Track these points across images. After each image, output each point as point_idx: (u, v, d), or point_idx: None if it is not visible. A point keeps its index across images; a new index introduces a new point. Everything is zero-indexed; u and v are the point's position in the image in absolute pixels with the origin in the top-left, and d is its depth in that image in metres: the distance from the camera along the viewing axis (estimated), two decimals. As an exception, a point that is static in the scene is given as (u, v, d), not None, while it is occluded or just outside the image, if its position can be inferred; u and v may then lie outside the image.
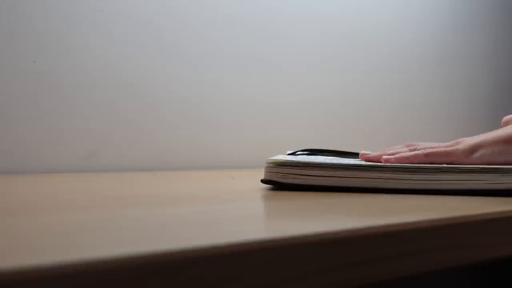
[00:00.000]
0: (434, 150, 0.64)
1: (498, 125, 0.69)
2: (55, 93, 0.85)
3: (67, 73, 0.87)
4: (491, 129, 0.68)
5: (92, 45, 0.89)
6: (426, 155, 0.63)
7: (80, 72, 0.88)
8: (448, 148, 0.65)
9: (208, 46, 1.02)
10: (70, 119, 0.87)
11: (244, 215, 0.45)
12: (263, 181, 0.59)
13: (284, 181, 0.58)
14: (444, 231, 0.41)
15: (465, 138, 0.67)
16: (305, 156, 0.69)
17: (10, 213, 0.42)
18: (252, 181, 0.64)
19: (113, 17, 0.91)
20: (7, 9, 0.81)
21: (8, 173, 0.78)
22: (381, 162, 0.62)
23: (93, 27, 0.89)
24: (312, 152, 0.73)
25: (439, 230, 0.40)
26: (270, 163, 0.59)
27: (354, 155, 0.73)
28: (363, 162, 0.63)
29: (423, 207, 0.50)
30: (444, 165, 0.60)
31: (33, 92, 0.83)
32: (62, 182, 0.67)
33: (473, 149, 0.64)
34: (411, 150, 0.66)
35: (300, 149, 0.75)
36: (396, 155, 0.64)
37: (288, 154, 0.72)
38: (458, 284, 1.11)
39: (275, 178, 0.59)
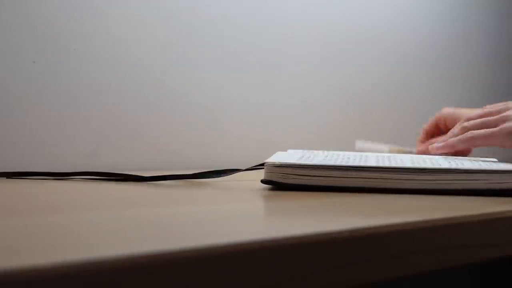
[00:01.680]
0: (474, 133, 0.65)
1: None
2: (55, 93, 0.85)
3: (67, 73, 0.87)
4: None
5: (92, 45, 0.89)
6: (467, 139, 0.65)
7: (80, 72, 0.88)
8: (487, 132, 0.65)
9: (208, 46, 1.02)
10: (71, 119, 0.87)
11: (244, 215, 0.45)
12: (263, 181, 0.59)
13: (284, 181, 0.58)
14: (444, 231, 0.41)
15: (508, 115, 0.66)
16: (304, 157, 0.69)
17: (10, 213, 0.42)
18: (252, 181, 0.64)
19: (113, 17, 0.91)
20: (7, 9, 0.81)
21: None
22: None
23: (93, 27, 0.89)
24: None
25: (439, 230, 0.40)
26: (270, 165, 0.59)
27: None
28: (363, 163, 0.63)
29: (423, 207, 0.50)
30: (444, 166, 0.60)
31: (33, 92, 0.83)
32: (63, 182, 0.67)
33: None
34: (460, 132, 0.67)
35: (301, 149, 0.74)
36: (442, 144, 0.65)
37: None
38: (458, 284, 1.11)
39: (275, 178, 0.59)
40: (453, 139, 0.65)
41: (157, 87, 0.96)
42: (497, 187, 0.57)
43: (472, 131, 0.66)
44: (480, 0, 1.55)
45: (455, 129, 0.69)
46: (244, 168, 0.67)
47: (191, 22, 1.00)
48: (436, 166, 0.59)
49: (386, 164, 0.61)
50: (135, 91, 0.94)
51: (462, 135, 0.65)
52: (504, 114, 0.67)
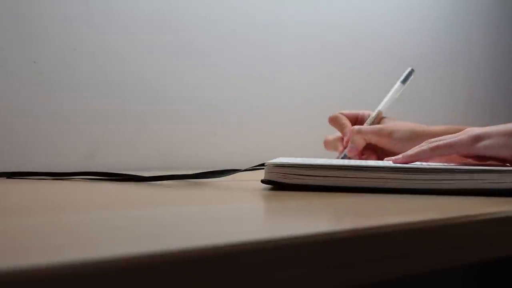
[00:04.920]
0: (439, 143, 0.64)
1: (496, 124, 0.69)
2: (55, 93, 0.85)
3: (67, 73, 0.87)
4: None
5: (91, 45, 0.89)
6: (431, 148, 0.64)
7: (80, 72, 0.88)
8: (451, 140, 0.65)
9: (209, 47, 1.02)
10: (70, 119, 0.87)
11: (244, 215, 0.45)
12: (263, 181, 0.59)
13: (285, 181, 0.58)
14: (444, 231, 0.41)
15: (475, 128, 0.66)
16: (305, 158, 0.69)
17: (10, 213, 0.42)
18: (253, 181, 0.64)
19: (113, 17, 0.91)
20: (7, 9, 0.81)
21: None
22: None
23: (93, 27, 0.89)
24: None
25: (439, 230, 0.40)
26: (270, 165, 0.59)
27: None
28: (363, 162, 0.63)
29: (423, 207, 0.50)
30: (444, 165, 0.60)
31: (33, 92, 0.83)
32: (63, 182, 0.67)
33: (479, 138, 0.64)
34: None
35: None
36: (403, 154, 0.64)
37: None
38: (458, 284, 1.11)
39: (275, 178, 0.59)
40: (417, 149, 0.65)
41: (158, 88, 0.96)
42: (497, 187, 0.57)
43: (437, 142, 0.65)
44: (480, 2, 1.55)
45: (423, 146, 0.68)
46: (244, 169, 0.67)
47: (191, 22, 1.00)
48: (437, 166, 0.59)
49: (386, 164, 0.61)
50: (136, 92, 0.94)
51: (427, 145, 0.65)
52: (466, 130, 0.67)
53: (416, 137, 0.77)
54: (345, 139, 0.84)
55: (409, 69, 0.91)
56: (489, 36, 1.57)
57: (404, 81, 0.90)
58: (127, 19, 0.92)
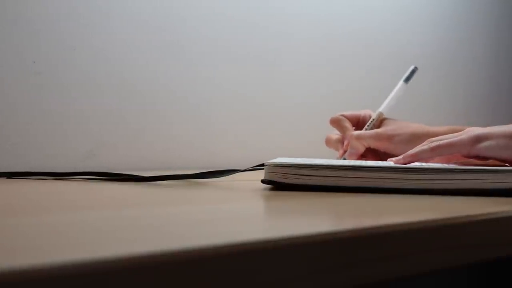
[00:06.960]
0: (440, 142, 0.64)
1: (497, 124, 0.69)
2: (55, 93, 0.85)
3: (67, 73, 0.87)
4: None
5: (92, 45, 0.89)
6: (432, 148, 0.64)
7: (80, 72, 0.88)
8: (452, 139, 0.64)
9: (209, 47, 1.02)
10: (70, 119, 0.87)
11: (244, 215, 0.45)
12: (263, 181, 0.59)
13: (285, 181, 0.58)
14: (444, 231, 0.41)
15: (475, 128, 0.66)
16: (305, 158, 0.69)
17: (10, 213, 0.42)
18: (252, 181, 0.64)
19: (112, 17, 0.91)
20: (7, 9, 0.81)
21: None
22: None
23: (93, 27, 0.89)
24: None
25: (439, 230, 0.40)
26: (270, 165, 0.59)
27: None
28: (363, 163, 0.63)
29: (423, 207, 0.50)
30: (444, 165, 0.60)
31: (33, 92, 0.83)
32: (63, 182, 0.67)
33: (480, 139, 0.64)
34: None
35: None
36: (404, 154, 0.64)
37: None
38: (457, 284, 1.11)
39: (275, 178, 0.59)
40: (417, 149, 0.65)
41: (158, 88, 0.96)
42: (497, 187, 0.56)
43: (438, 142, 0.65)
44: (480, 2, 1.55)
45: (424, 146, 0.68)
46: (243, 169, 0.68)
47: (191, 22, 1.00)
48: (437, 166, 0.59)
49: (386, 164, 0.61)
50: (135, 92, 0.94)
51: (428, 145, 0.64)
52: (467, 130, 0.67)
53: (417, 139, 0.76)
54: (345, 142, 0.84)
55: (412, 67, 0.90)
56: (490, 36, 1.57)
57: (407, 79, 0.89)
58: (127, 19, 0.92)
